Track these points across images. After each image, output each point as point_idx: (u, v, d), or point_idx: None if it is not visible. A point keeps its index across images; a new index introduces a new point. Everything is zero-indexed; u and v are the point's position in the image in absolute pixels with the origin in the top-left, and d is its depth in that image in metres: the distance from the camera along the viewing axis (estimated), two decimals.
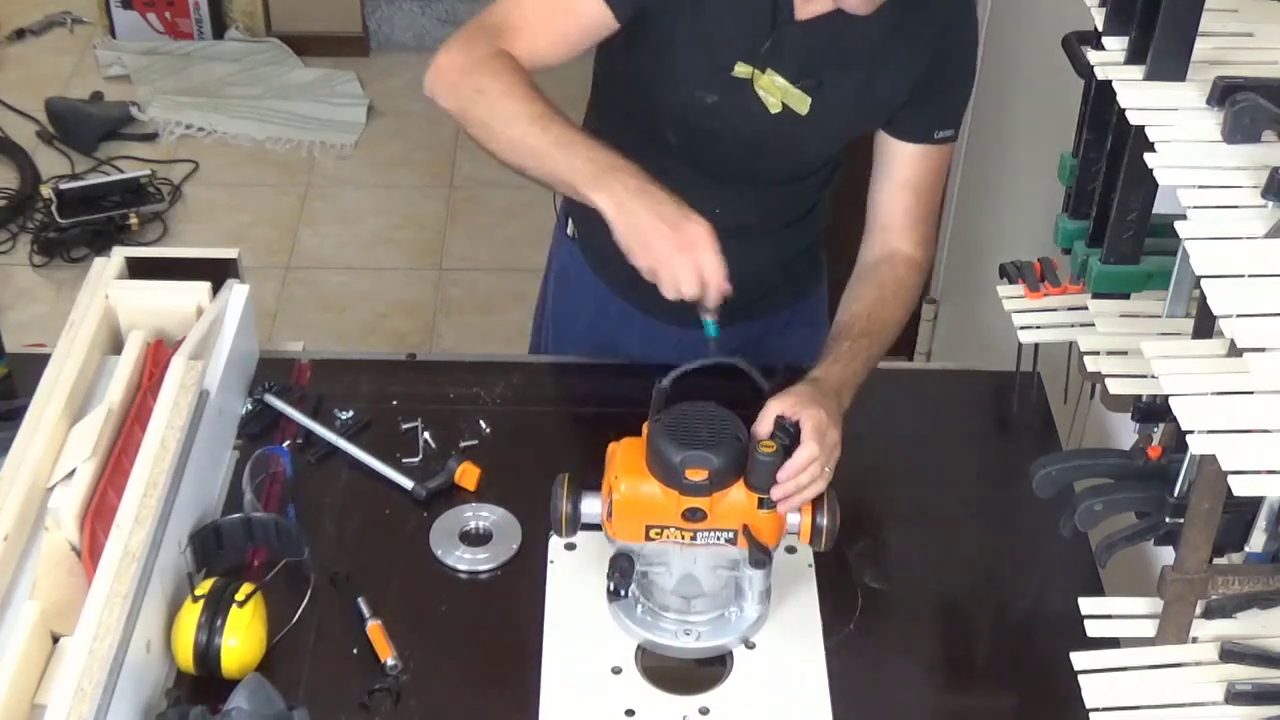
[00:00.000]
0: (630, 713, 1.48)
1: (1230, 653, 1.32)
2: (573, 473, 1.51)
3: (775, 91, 1.64)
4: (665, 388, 1.45)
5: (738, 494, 1.46)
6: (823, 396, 1.52)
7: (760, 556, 1.47)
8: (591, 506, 1.51)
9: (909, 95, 1.68)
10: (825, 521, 1.49)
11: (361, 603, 1.56)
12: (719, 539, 1.47)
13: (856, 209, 1.80)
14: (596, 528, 1.51)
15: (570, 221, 2.00)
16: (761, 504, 1.46)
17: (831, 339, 1.65)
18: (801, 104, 1.65)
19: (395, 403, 1.84)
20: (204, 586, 1.48)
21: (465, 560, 1.64)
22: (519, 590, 1.61)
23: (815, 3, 1.60)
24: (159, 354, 1.72)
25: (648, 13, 1.59)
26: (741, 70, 1.63)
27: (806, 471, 1.45)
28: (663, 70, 1.64)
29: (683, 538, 1.47)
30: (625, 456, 1.49)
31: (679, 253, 1.45)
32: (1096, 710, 1.32)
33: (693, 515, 1.45)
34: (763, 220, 1.84)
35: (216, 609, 1.46)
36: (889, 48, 1.64)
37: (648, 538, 1.48)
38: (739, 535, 1.47)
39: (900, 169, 1.73)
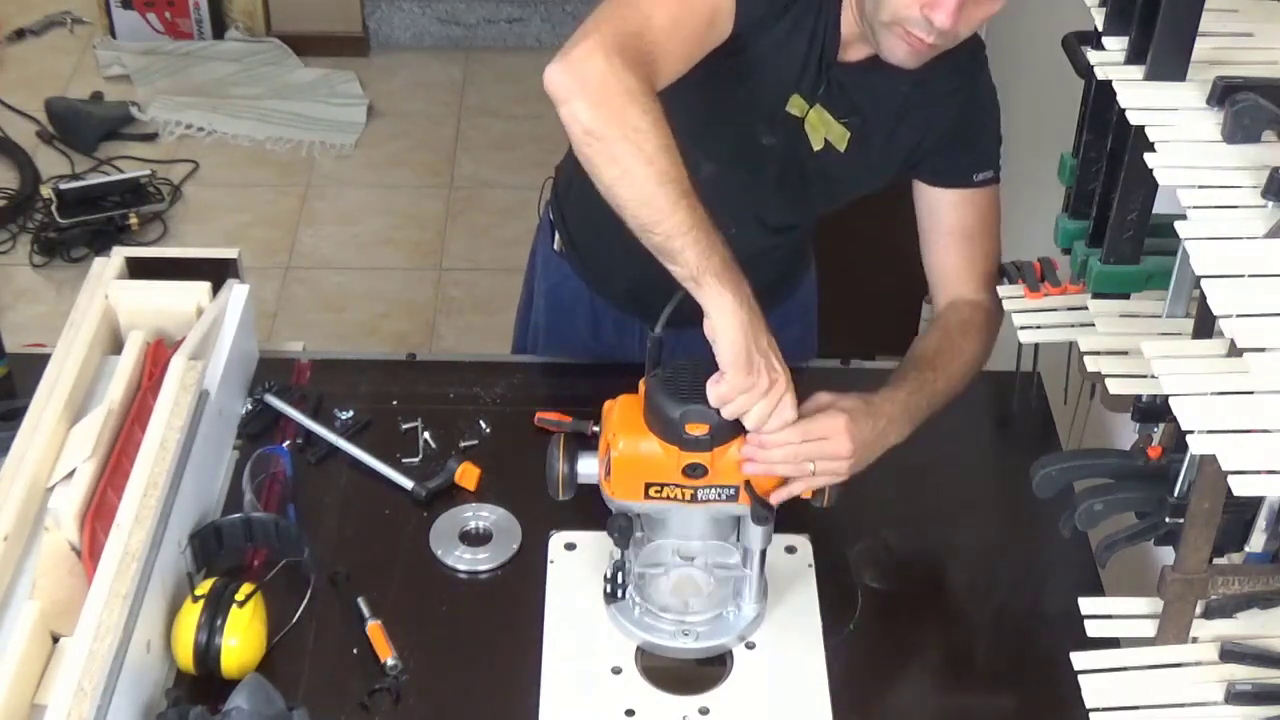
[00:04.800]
0: (630, 713, 1.48)
1: (1230, 653, 1.32)
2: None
3: (820, 127, 1.65)
4: (659, 336, 1.42)
5: (739, 449, 1.44)
6: (864, 410, 1.51)
7: (762, 512, 1.46)
8: (589, 466, 1.49)
9: (937, 143, 1.69)
10: None
11: (361, 603, 1.56)
12: (720, 495, 1.46)
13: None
14: (595, 500, 1.50)
15: (557, 236, 1.98)
16: None
17: (897, 370, 1.63)
18: (841, 140, 1.66)
19: (395, 403, 1.84)
20: (204, 586, 1.48)
21: (465, 560, 1.64)
22: (519, 590, 1.61)
23: (856, 49, 1.62)
24: (159, 354, 1.72)
25: (743, 34, 1.55)
26: (795, 106, 1.63)
27: (779, 448, 1.44)
28: (726, 97, 1.62)
29: (683, 495, 1.46)
30: (623, 413, 1.47)
31: (766, 387, 1.41)
32: (1096, 710, 1.32)
33: (693, 471, 1.44)
34: (772, 247, 1.85)
35: (216, 609, 1.46)
36: (916, 100, 1.66)
37: (647, 496, 1.46)
38: (740, 491, 1.46)
39: (946, 217, 1.72)
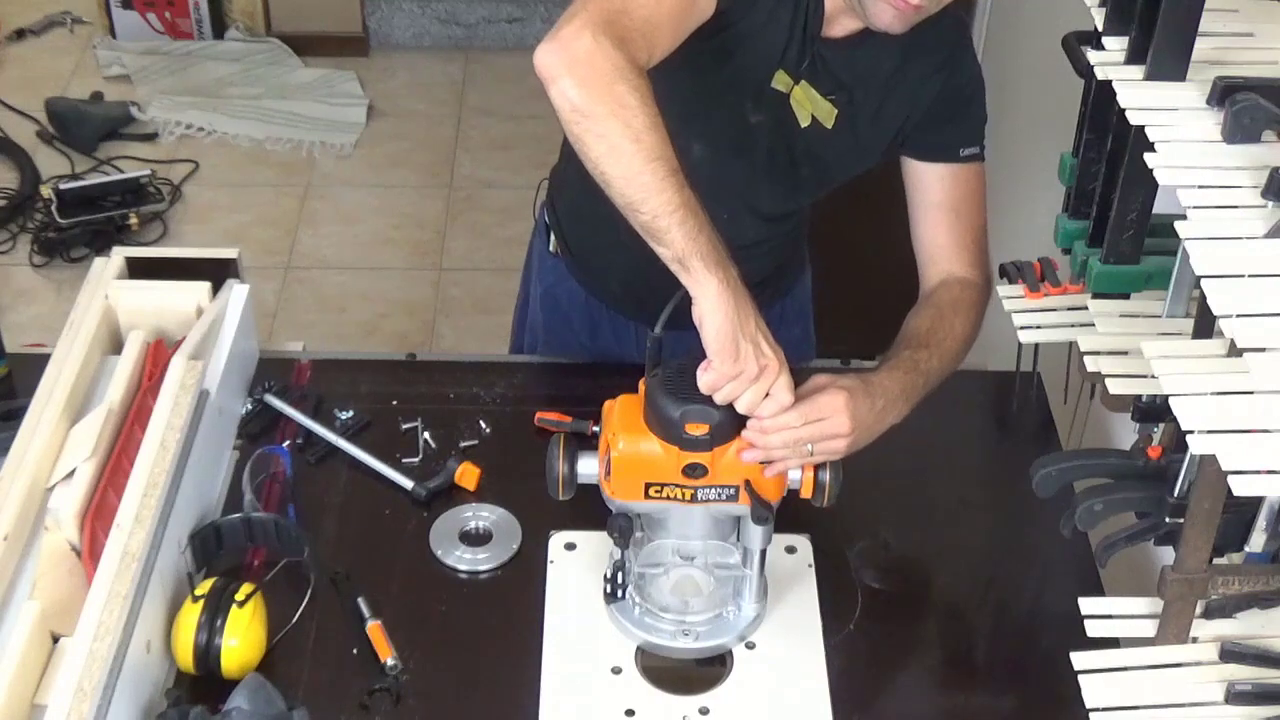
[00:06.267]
0: (630, 713, 1.48)
1: (1230, 653, 1.32)
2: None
3: (806, 104, 1.65)
4: (659, 336, 1.42)
5: (739, 448, 1.44)
6: (863, 389, 1.50)
7: (762, 512, 1.45)
8: (589, 466, 1.49)
9: (924, 118, 1.70)
10: (828, 477, 1.48)
11: (361, 603, 1.56)
12: (720, 495, 1.46)
13: (838, 197, 1.81)
14: (595, 495, 1.50)
15: (553, 237, 1.98)
16: None
17: (891, 349, 1.63)
18: (829, 117, 1.66)
19: (395, 403, 1.84)
20: (204, 586, 1.48)
21: (465, 560, 1.64)
22: (519, 590, 1.61)
23: (840, 24, 1.62)
24: (159, 354, 1.72)
25: (727, 10, 1.55)
26: (780, 81, 1.63)
27: (778, 433, 1.43)
28: (713, 75, 1.63)
29: (683, 495, 1.45)
30: (623, 413, 1.46)
31: (755, 373, 1.40)
32: (1096, 710, 1.32)
33: (693, 471, 1.44)
34: (765, 238, 1.84)
35: (216, 609, 1.46)
36: (901, 76, 1.67)
37: (647, 496, 1.46)
38: (740, 491, 1.46)
39: (933, 191, 1.72)
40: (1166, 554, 1.37)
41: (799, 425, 1.44)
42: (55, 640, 1.44)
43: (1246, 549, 1.35)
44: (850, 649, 1.56)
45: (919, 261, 1.76)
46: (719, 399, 1.41)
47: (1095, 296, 1.54)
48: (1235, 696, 1.29)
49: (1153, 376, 1.22)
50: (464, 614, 1.59)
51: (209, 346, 1.72)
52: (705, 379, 1.39)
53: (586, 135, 1.38)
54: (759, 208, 1.80)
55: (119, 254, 1.83)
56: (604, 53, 1.37)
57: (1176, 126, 1.31)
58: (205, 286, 1.79)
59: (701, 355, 1.40)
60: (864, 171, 1.77)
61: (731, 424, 1.43)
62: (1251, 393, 1.14)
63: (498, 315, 3.52)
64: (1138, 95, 1.35)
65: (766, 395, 1.42)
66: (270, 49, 4.46)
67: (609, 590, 1.54)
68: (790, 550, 1.65)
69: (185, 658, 1.46)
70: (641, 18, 1.43)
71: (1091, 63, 1.42)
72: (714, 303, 1.37)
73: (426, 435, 1.79)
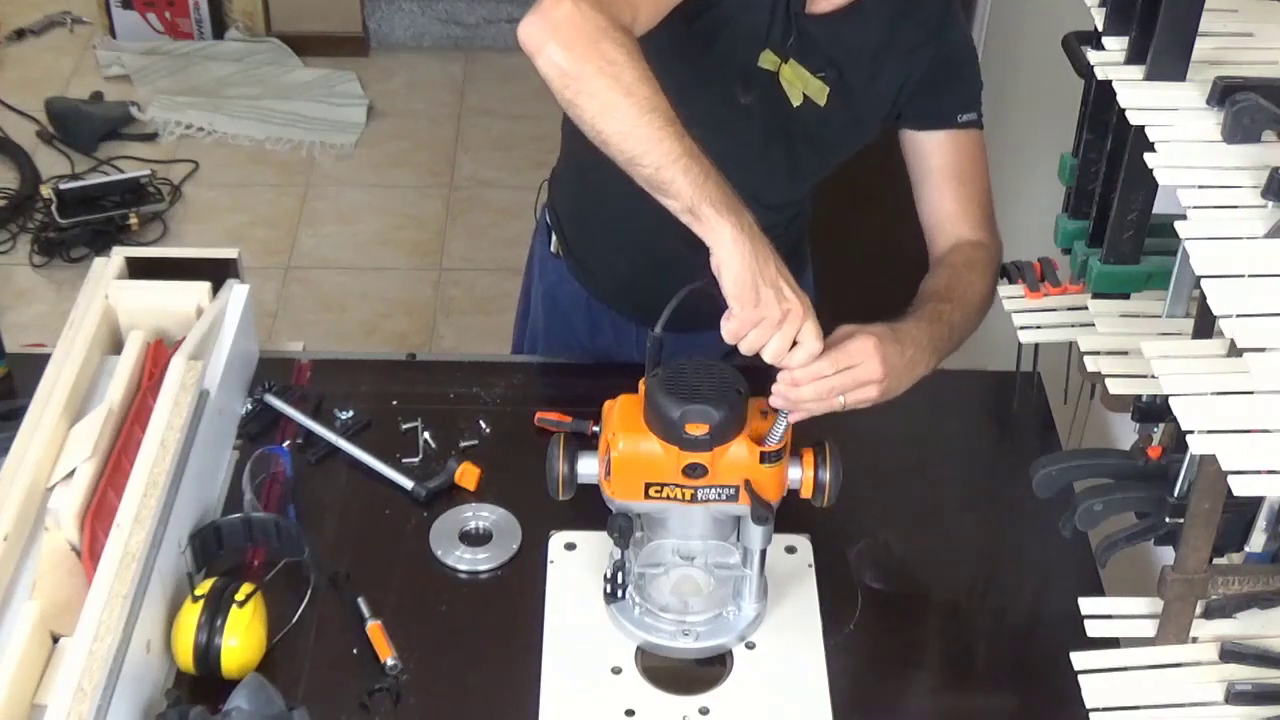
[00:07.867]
0: (630, 713, 1.48)
1: (1230, 653, 1.32)
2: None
3: (797, 82, 1.65)
4: (660, 336, 1.41)
5: (739, 449, 1.44)
6: (891, 336, 1.49)
7: (762, 512, 1.45)
8: (589, 466, 1.49)
9: (917, 88, 1.69)
10: (828, 476, 1.48)
11: (361, 603, 1.56)
12: (720, 495, 1.45)
13: (839, 197, 1.80)
14: (594, 495, 1.50)
15: (554, 237, 1.98)
16: (764, 458, 1.44)
17: (912, 306, 1.61)
18: (821, 94, 1.66)
19: (395, 403, 1.84)
20: (204, 586, 1.48)
21: (465, 560, 1.64)
22: (519, 590, 1.61)
23: (823, 0, 1.62)
24: (159, 354, 1.72)
25: None
26: (767, 61, 1.63)
27: (810, 383, 1.41)
28: (699, 58, 1.62)
29: (683, 495, 1.45)
30: (623, 413, 1.46)
31: (779, 319, 1.37)
32: (1096, 710, 1.32)
33: (693, 471, 1.43)
34: (767, 226, 1.84)
35: (216, 609, 1.46)
36: (890, 46, 1.66)
37: (647, 496, 1.46)
38: (740, 491, 1.45)
39: (934, 159, 1.71)
40: (1166, 554, 1.37)
41: (831, 374, 1.42)
42: (55, 640, 1.44)
43: (1246, 549, 1.35)
44: (850, 649, 1.56)
45: (927, 233, 1.74)
46: (744, 349, 1.38)
47: (1095, 296, 1.54)
48: (1235, 696, 1.29)
49: (1153, 376, 1.22)
50: (464, 614, 1.59)
51: (209, 346, 1.72)
52: (727, 327, 1.38)
53: (578, 98, 1.36)
54: (759, 194, 1.78)
55: (119, 254, 1.83)
56: (585, 14, 1.36)
57: (1176, 126, 1.31)
58: (205, 286, 1.79)
59: (701, 357, 1.40)
60: (862, 147, 1.77)
61: (731, 424, 1.43)
62: (1251, 393, 1.14)
63: (498, 315, 3.52)
64: (1138, 95, 1.35)
65: (794, 345, 1.39)
66: (270, 49, 4.46)
67: (609, 590, 1.54)
68: (790, 550, 1.65)
69: (185, 658, 1.46)
70: None
71: (1091, 63, 1.42)
72: (730, 248, 1.35)
73: (426, 435, 1.79)
